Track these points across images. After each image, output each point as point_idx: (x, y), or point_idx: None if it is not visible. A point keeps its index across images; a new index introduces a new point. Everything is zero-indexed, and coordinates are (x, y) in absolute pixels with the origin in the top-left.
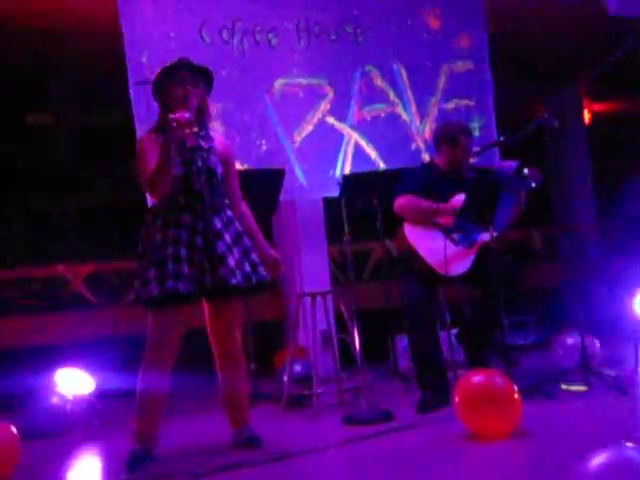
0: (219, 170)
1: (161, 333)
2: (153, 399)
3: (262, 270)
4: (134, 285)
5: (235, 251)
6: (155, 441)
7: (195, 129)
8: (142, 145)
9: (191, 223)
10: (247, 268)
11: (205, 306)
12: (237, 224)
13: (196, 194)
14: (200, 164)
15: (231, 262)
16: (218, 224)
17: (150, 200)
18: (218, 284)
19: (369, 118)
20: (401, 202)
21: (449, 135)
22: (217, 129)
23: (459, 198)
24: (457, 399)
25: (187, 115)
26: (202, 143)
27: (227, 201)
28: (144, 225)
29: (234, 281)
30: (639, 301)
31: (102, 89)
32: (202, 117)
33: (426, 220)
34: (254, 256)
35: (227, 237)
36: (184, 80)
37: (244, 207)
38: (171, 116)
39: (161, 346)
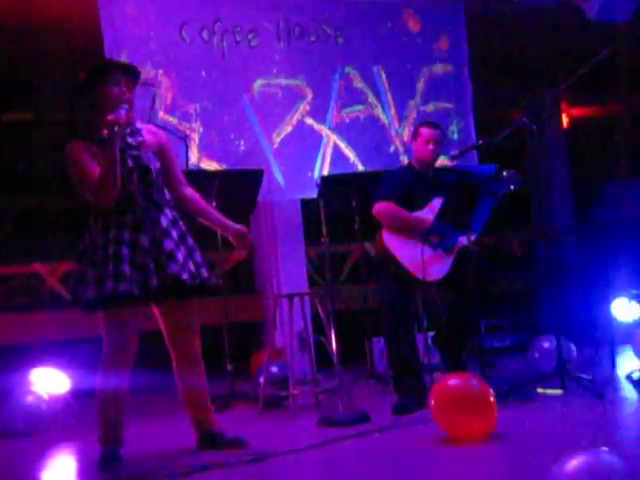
0: (154, 165)
1: (114, 335)
2: (113, 401)
3: (205, 271)
4: (70, 286)
5: (182, 249)
6: (122, 442)
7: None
8: (76, 152)
9: (134, 223)
10: (191, 267)
11: (155, 310)
12: (181, 223)
13: (131, 196)
14: (130, 164)
15: (180, 258)
16: (164, 222)
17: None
18: (168, 282)
19: (348, 120)
20: (380, 208)
21: (413, 130)
22: (196, 129)
23: (435, 206)
24: (433, 402)
25: (123, 113)
26: (130, 141)
27: (168, 197)
28: (87, 227)
29: (184, 276)
30: (615, 305)
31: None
32: (129, 115)
33: (403, 229)
34: (197, 256)
35: (174, 234)
36: (119, 81)
37: (192, 191)
38: (110, 118)
39: (116, 348)
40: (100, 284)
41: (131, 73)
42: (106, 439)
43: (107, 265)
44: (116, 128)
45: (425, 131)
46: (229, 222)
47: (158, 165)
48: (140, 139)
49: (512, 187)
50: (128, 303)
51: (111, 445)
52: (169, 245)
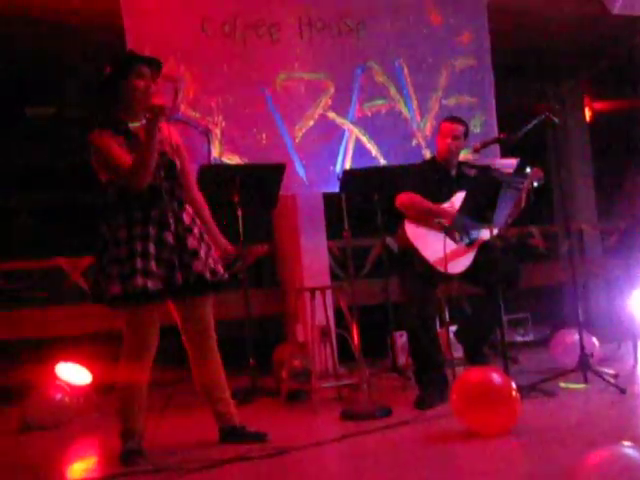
0: (177, 161)
1: (138, 332)
2: (134, 395)
3: (220, 268)
4: (91, 283)
5: (203, 246)
6: (142, 436)
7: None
8: (104, 139)
9: (159, 219)
10: (211, 264)
11: (174, 308)
12: (198, 221)
13: (156, 189)
14: (158, 158)
15: (203, 256)
16: (186, 219)
17: (115, 194)
18: (193, 279)
19: (370, 114)
20: (403, 199)
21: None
22: (218, 123)
23: (458, 199)
24: (455, 396)
25: (165, 103)
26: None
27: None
28: (104, 222)
29: (208, 275)
30: (638, 300)
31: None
32: (176, 101)
33: (427, 219)
34: (214, 252)
35: (196, 231)
36: (144, 74)
37: (200, 196)
38: (157, 102)
39: (137, 342)
40: (127, 280)
41: (154, 66)
42: (127, 433)
43: (134, 261)
44: (165, 112)
45: (443, 125)
46: (222, 239)
47: (178, 163)
48: (163, 136)
49: (536, 184)
50: (153, 299)
51: (132, 439)
52: (193, 243)
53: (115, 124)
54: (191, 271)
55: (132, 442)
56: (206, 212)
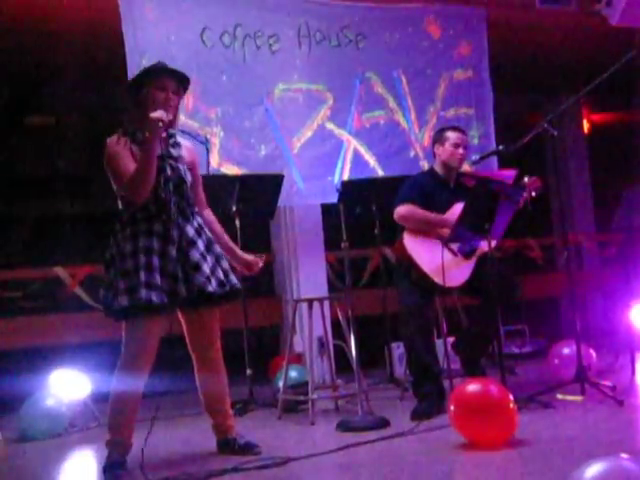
0: (188, 178)
1: (138, 343)
2: (129, 407)
3: (233, 278)
4: (101, 295)
5: (209, 258)
6: (130, 448)
7: (165, 136)
8: (114, 148)
9: (163, 232)
10: (220, 275)
11: (182, 316)
12: (206, 230)
13: (163, 203)
14: (169, 173)
15: (206, 269)
16: (190, 231)
17: (121, 205)
18: (194, 293)
19: (368, 125)
20: (402, 211)
21: (437, 134)
22: (217, 133)
23: (456, 211)
24: (452, 408)
25: (166, 115)
26: (172, 151)
27: (196, 208)
28: (112, 234)
29: (210, 288)
30: (636, 312)
31: (102, 92)
32: (173, 125)
33: (426, 230)
34: (225, 263)
35: (200, 244)
36: (166, 86)
37: (209, 213)
38: (154, 116)
39: (138, 356)
40: (133, 293)
41: (180, 80)
42: (116, 444)
43: (139, 274)
44: (160, 124)
45: (453, 135)
46: (239, 252)
47: (190, 179)
48: (180, 153)
49: (533, 193)
50: (158, 312)
51: (121, 450)
52: (195, 256)
53: (133, 133)
54: (192, 284)
55: (117, 454)
56: (217, 228)
